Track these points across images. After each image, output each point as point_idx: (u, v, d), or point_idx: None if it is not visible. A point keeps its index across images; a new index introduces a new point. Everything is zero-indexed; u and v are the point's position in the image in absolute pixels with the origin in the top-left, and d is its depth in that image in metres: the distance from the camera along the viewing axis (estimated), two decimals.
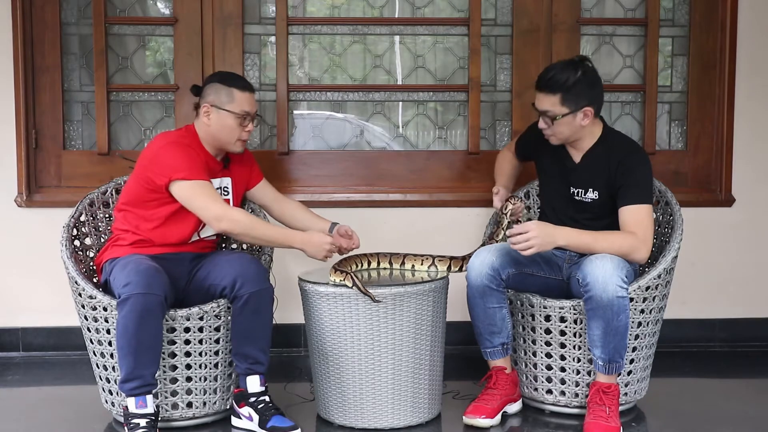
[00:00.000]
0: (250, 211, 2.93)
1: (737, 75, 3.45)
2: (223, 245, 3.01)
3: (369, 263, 2.82)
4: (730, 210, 3.51)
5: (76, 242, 2.77)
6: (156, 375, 2.43)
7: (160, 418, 2.47)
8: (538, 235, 2.47)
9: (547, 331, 2.64)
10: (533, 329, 2.66)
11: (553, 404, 2.68)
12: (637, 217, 2.57)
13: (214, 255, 2.71)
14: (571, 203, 2.71)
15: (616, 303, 2.42)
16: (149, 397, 2.39)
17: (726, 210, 3.51)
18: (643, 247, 2.55)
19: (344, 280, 2.49)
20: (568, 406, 2.66)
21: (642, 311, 2.61)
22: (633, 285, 2.57)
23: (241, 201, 2.90)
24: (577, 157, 2.71)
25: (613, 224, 2.63)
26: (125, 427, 2.39)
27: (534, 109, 2.68)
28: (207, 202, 2.55)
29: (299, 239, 2.62)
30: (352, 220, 3.40)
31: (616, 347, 2.47)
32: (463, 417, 2.59)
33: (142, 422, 2.37)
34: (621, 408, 2.61)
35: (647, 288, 2.60)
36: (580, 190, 2.69)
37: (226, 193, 2.77)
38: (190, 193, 2.56)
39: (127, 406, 2.39)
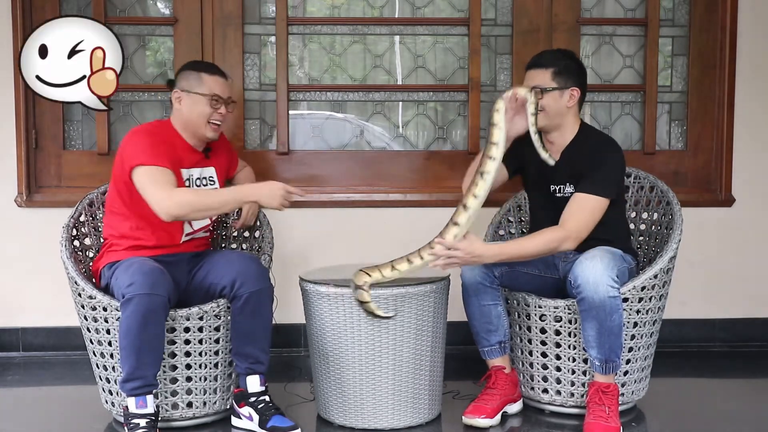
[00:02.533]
0: None
1: (737, 75, 3.45)
2: (223, 245, 3.01)
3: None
4: (730, 210, 3.51)
5: (76, 242, 2.77)
6: (157, 375, 2.43)
7: (160, 418, 2.47)
8: (460, 256, 2.43)
9: (542, 331, 2.64)
10: (529, 328, 2.66)
11: (549, 403, 2.68)
12: (578, 206, 2.54)
13: (213, 254, 2.71)
14: (554, 201, 2.70)
15: (608, 303, 2.42)
16: (149, 397, 2.39)
17: (726, 210, 3.51)
18: (571, 237, 2.50)
19: (362, 291, 2.44)
20: (564, 406, 2.66)
21: (638, 311, 2.60)
22: (628, 285, 2.56)
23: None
24: (556, 155, 2.69)
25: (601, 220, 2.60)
26: (125, 427, 2.40)
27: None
28: (156, 189, 2.46)
29: (248, 191, 2.54)
30: (352, 220, 3.42)
31: (611, 347, 2.46)
32: (463, 417, 2.59)
33: (142, 422, 2.37)
34: (621, 408, 2.61)
35: (642, 288, 2.59)
36: (561, 186, 2.69)
37: (212, 183, 2.76)
38: (145, 178, 2.49)
39: (127, 406, 2.40)
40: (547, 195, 2.72)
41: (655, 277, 2.61)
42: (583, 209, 2.53)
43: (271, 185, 2.51)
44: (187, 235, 2.70)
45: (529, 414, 2.71)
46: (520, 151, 2.71)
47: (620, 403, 2.59)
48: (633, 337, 2.62)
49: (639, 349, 2.66)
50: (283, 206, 2.51)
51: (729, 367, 3.30)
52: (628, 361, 2.63)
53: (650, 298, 2.63)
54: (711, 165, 3.53)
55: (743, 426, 2.61)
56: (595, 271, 2.42)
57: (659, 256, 2.67)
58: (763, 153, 3.51)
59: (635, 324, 2.61)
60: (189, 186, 2.66)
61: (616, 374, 2.54)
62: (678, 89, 3.56)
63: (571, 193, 2.63)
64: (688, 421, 2.65)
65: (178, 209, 2.45)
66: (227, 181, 2.93)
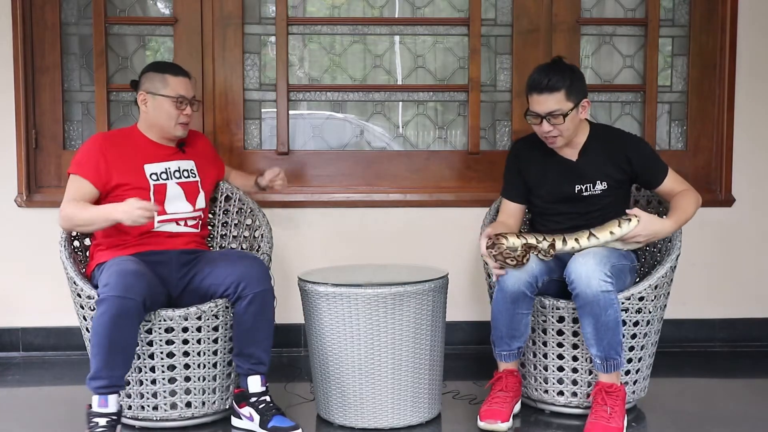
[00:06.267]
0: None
1: (737, 75, 3.45)
2: (222, 245, 3.01)
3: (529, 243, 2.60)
4: (730, 210, 3.51)
5: (75, 242, 2.77)
6: (126, 377, 2.42)
7: (127, 417, 2.48)
8: (644, 236, 2.59)
9: (560, 332, 2.62)
10: (544, 331, 2.64)
11: (564, 405, 2.66)
12: (675, 181, 2.74)
13: (212, 255, 2.70)
14: (579, 201, 2.70)
15: (601, 298, 2.42)
16: (112, 397, 2.37)
17: (726, 210, 3.51)
18: (696, 192, 2.74)
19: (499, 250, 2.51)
20: (580, 407, 2.64)
21: (650, 311, 2.62)
22: (643, 284, 2.58)
23: (215, 185, 2.94)
24: (573, 155, 2.71)
25: (620, 212, 2.62)
26: (86, 426, 2.38)
27: (531, 116, 2.62)
28: (64, 200, 2.60)
29: (110, 209, 2.50)
30: (352, 220, 3.43)
31: (610, 343, 2.46)
32: (480, 422, 2.54)
33: (102, 421, 2.35)
34: None
35: (656, 287, 2.60)
36: (588, 185, 2.69)
37: (193, 175, 2.78)
38: (68, 185, 2.64)
39: (90, 404, 2.39)
40: (569, 196, 2.71)
41: (665, 275, 2.63)
42: (678, 180, 2.76)
43: (126, 204, 2.45)
44: (161, 222, 2.67)
45: (529, 413, 2.70)
46: (522, 174, 2.78)
47: None
48: (646, 335, 2.63)
49: (649, 347, 2.67)
50: (142, 221, 2.44)
51: (729, 367, 3.30)
52: (630, 361, 2.63)
53: (660, 296, 2.65)
54: (711, 165, 3.53)
55: (743, 426, 2.60)
56: (587, 267, 2.44)
57: (667, 254, 2.70)
58: (763, 153, 3.51)
59: (648, 322, 2.62)
60: (167, 178, 2.70)
61: (619, 373, 2.53)
62: (678, 89, 3.56)
63: (602, 190, 2.68)
64: (688, 421, 2.65)
65: (63, 222, 2.60)
66: (220, 182, 2.96)
